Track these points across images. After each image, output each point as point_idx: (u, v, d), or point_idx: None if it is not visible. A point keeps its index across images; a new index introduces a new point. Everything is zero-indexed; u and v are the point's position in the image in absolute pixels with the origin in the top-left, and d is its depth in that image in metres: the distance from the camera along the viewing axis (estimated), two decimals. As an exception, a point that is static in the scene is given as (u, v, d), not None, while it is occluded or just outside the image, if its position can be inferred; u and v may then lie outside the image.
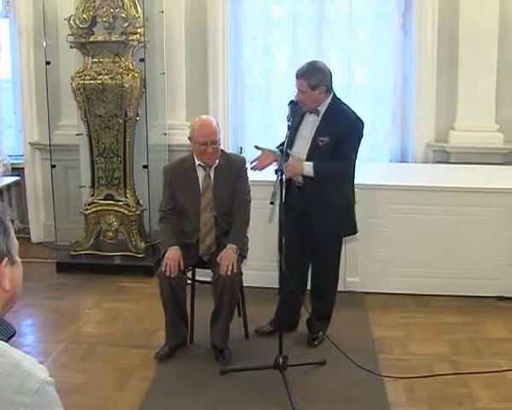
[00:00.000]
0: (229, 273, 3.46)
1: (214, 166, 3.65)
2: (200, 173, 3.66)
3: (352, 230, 3.76)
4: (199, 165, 3.65)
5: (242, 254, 3.65)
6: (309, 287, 3.90)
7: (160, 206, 3.81)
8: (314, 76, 3.46)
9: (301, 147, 3.56)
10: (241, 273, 3.64)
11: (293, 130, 3.54)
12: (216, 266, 3.55)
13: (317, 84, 3.46)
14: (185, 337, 3.74)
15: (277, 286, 3.76)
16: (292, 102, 3.55)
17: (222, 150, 3.72)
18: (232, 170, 3.67)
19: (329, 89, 3.54)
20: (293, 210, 3.51)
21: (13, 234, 1.26)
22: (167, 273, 3.49)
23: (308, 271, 3.86)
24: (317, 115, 3.54)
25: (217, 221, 3.66)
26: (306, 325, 3.86)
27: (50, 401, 1.14)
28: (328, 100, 3.54)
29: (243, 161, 3.76)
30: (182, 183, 3.67)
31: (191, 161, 3.68)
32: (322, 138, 3.47)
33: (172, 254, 3.53)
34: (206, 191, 3.65)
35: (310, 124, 3.57)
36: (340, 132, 3.45)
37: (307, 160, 3.50)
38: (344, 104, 3.60)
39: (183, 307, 3.65)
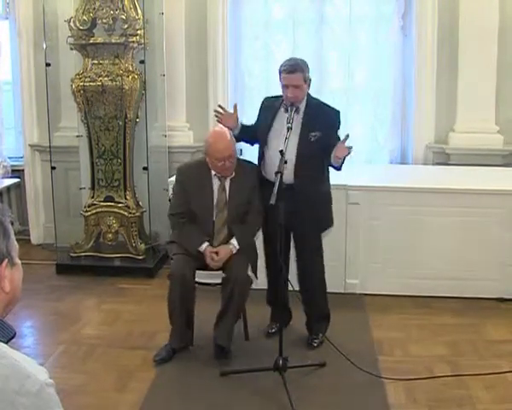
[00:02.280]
0: (214, 264, 3.56)
1: (229, 177, 3.63)
2: (216, 183, 3.63)
3: (331, 223, 3.85)
4: (215, 175, 3.62)
5: (254, 271, 3.71)
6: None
7: (170, 208, 3.77)
8: (307, 69, 3.56)
9: (287, 144, 3.49)
10: (251, 279, 3.64)
11: (263, 128, 3.64)
12: (226, 268, 3.59)
13: (308, 77, 3.57)
14: (190, 341, 3.73)
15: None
16: (292, 103, 3.56)
17: (237, 159, 3.69)
18: (247, 181, 3.64)
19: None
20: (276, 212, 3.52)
21: (13, 236, 1.26)
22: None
23: (288, 260, 3.86)
24: (297, 113, 3.57)
25: (229, 233, 3.65)
26: (306, 327, 3.86)
27: (50, 402, 1.14)
28: (305, 96, 3.62)
29: (257, 171, 3.71)
30: (196, 188, 3.63)
31: (206, 168, 3.62)
32: (313, 134, 3.53)
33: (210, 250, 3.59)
34: (220, 204, 3.64)
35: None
36: (329, 126, 3.56)
37: (297, 157, 3.55)
38: (317, 99, 3.70)
39: (191, 311, 3.65)
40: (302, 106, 3.60)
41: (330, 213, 3.81)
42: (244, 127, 3.79)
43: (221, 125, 3.72)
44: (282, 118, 3.60)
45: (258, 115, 3.84)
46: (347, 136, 3.41)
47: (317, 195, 3.66)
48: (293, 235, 3.74)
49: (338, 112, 3.64)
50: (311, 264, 3.78)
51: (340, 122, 3.63)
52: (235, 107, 3.77)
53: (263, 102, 3.85)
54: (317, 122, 3.55)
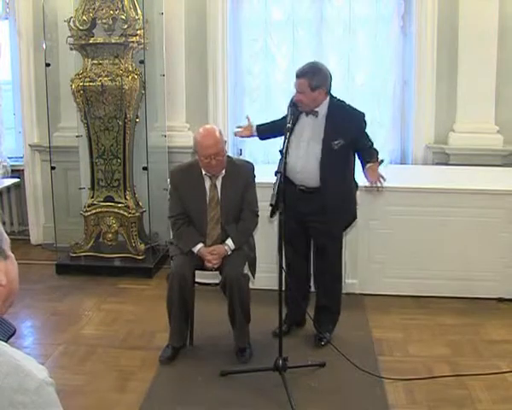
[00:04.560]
0: (214, 265, 3.57)
1: (221, 175, 3.62)
2: (207, 182, 3.63)
3: (355, 217, 3.87)
4: (205, 174, 3.62)
5: (251, 272, 3.72)
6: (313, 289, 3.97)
7: (169, 211, 3.79)
8: (316, 77, 3.48)
9: (305, 150, 3.58)
10: (248, 276, 3.64)
11: (290, 130, 3.56)
12: (221, 270, 3.61)
13: (318, 85, 3.48)
14: (190, 341, 3.77)
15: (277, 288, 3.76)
16: (292, 103, 3.55)
17: (229, 156, 3.69)
18: (239, 178, 3.63)
19: (329, 91, 3.56)
20: (296, 213, 3.55)
21: (2, 229, 1.24)
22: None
23: (309, 276, 3.92)
24: (316, 116, 3.55)
25: (224, 231, 3.65)
26: (314, 325, 3.85)
27: (49, 401, 1.13)
28: (327, 101, 3.55)
29: (251, 169, 3.71)
30: (188, 190, 3.64)
31: (198, 168, 3.61)
32: (336, 142, 3.50)
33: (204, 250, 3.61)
34: (212, 203, 3.64)
35: (308, 126, 3.57)
36: (353, 133, 3.54)
37: (321, 164, 3.55)
38: (342, 102, 3.64)
39: (190, 310, 3.67)
40: (322, 112, 3.55)
41: (353, 210, 3.82)
42: (261, 128, 3.87)
43: (211, 124, 3.77)
44: (303, 121, 3.60)
45: (287, 112, 3.72)
46: (382, 161, 3.48)
47: (341, 195, 3.66)
48: (314, 234, 3.75)
49: (361, 114, 3.60)
50: (331, 263, 3.80)
51: (365, 123, 3.61)
52: (248, 119, 3.91)
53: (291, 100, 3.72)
54: (340, 129, 3.51)
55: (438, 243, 4.42)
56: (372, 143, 3.65)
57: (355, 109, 3.62)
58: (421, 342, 3.87)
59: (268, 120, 4.00)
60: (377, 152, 3.64)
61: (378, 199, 4.44)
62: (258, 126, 3.94)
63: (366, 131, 3.64)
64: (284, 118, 3.71)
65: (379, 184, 3.52)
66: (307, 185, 3.62)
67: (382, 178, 3.50)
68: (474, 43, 5.06)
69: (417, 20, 5.17)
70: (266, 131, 3.92)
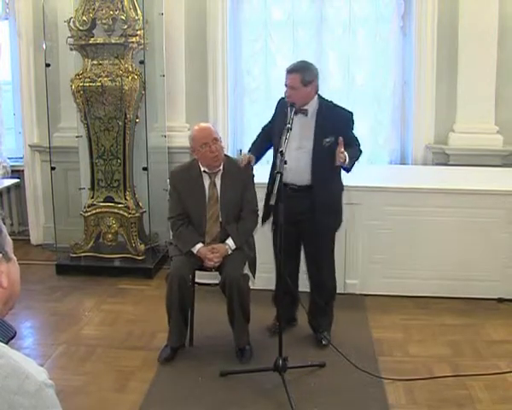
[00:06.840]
0: (215, 264, 3.57)
1: (220, 173, 3.64)
2: (206, 181, 3.65)
3: (340, 222, 3.87)
4: (204, 171, 3.64)
5: (251, 272, 3.72)
6: (306, 288, 3.95)
7: (168, 212, 3.81)
8: (308, 72, 3.54)
9: (296, 148, 3.58)
10: (248, 276, 3.65)
11: (278, 130, 3.59)
12: (221, 270, 3.60)
13: (310, 80, 3.53)
14: (189, 341, 3.78)
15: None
16: (292, 104, 3.56)
17: (227, 156, 3.72)
18: (239, 177, 3.65)
19: (317, 88, 3.61)
20: (289, 214, 3.54)
21: (5, 231, 1.25)
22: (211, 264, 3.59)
23: (298, 271, 3.92)
24: (305, 115, 3.57)
25: (222, 229, 3.66)
26: (310, 326, 3.85)
27: (49, 403, 1.13)
28: (316, 99, 3.60)
29: (250, 168, 3.72)
30: (188, 189, 3.66)
31: (197, 167, 3.65)
32: (327, 140, 3.53)
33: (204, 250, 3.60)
34: (212, 201, 3.65)
35: (298, 124, 3.56)
36: (342, 130, 3.53)
37: (313, 161, 3.57)
38: (330, 101, 3.68)
39: (188, 311, 3.68)
40: (312, 109, 3.58)
41: (341, 212, 3.83)
42: (256, 149, 3.80)
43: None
44: (293, 120, 3.61)
45: (274, 115, 3.82)
46: (341, 140, 3.42)
47: (331, 195, 3.69)
48: (305, 234, 3.75)
49: (350, 113, 3.64)
50: (324, 261, 3.80)
51: (353, 122, 3.63)
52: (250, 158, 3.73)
53: (278, 102, 3.82)
54: (330, 127, 3.54)
55: (438, 243, 4.42)
56: (359, 145, 3.66)
57: (343, 108, 3.68)
58: (421, 342, 3.87)
59: (254, 137, 3.97)
60: (361, 152, 3.66)
61: (378, 199, 4.44)
62: (254, 149, 3.82)
63: (354, 132, 3.65)
64: (270, 123, 3.82)
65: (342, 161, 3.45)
66: (298, 184, 3.63)
67: (343, 153, 3.42)
68: (474, 44, 5.06)
69: (417, 20, 5.17)
70: (260, 150, 3.84)
